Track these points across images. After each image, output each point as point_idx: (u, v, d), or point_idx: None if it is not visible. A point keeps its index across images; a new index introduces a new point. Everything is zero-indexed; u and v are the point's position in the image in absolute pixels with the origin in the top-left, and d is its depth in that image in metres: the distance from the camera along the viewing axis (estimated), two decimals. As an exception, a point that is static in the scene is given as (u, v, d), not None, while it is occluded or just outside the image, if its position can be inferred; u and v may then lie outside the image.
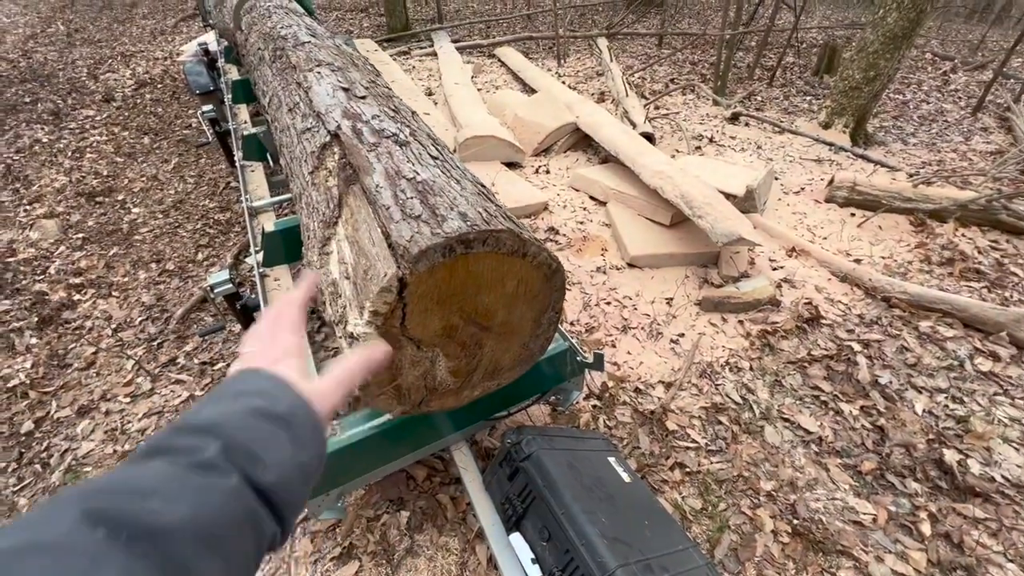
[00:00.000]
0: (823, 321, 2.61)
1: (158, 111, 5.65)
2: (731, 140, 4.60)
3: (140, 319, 2.89)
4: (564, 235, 3.34)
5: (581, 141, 4.44)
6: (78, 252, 3.50)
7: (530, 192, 3.63)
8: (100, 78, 6.74)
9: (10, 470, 2.13)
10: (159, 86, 6.31)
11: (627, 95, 4.83)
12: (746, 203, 3.35)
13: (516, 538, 1.45)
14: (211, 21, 4.64)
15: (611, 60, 5.87)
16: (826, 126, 4.76)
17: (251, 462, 0.40)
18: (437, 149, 1.43)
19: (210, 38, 4.79)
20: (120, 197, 4.15)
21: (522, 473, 1.51)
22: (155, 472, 0.37)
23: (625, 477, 1.67)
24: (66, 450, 2.19)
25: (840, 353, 2.43)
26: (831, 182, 3.69)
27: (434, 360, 1.19)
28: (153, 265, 3.33)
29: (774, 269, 2.98)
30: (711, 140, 4.55)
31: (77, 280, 3.21)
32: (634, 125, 4.27)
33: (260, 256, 2.06)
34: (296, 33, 2.37)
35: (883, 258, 3.14)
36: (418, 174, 1.20)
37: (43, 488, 2.04)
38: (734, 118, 4.97)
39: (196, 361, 2.58)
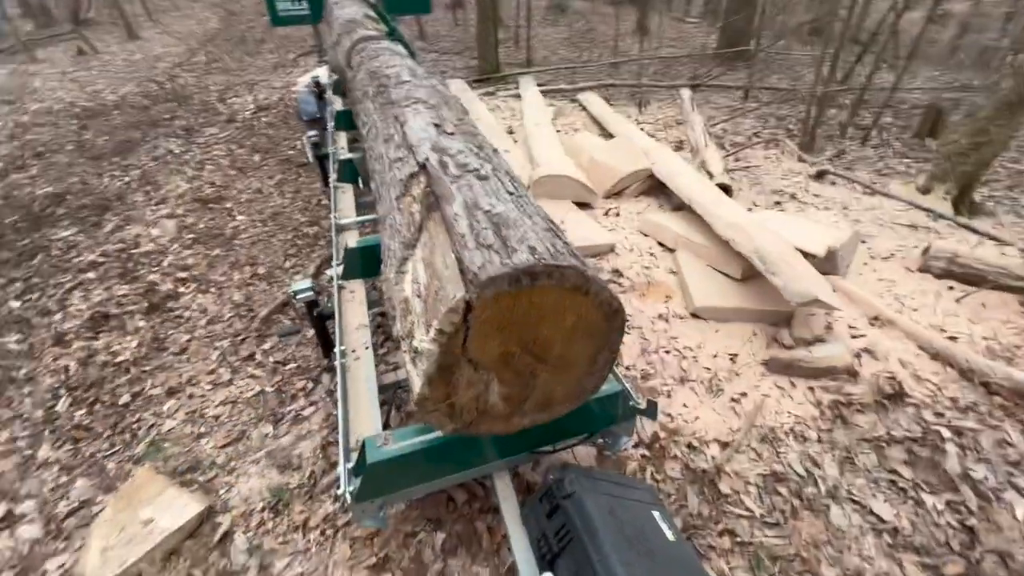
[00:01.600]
0: (907, 399, 2.39)
1: (269, 133, 6.32)
2: (815, 198, 4.41)
3: (229, 315, 3.18)
4: (628, 278, 3.32)
5: (654, 188, 4.44)
6: (187, 250, 3.94)
7: (598, 233, 3.67)
8: (227, 101, 7.67)
9: (105, 435, 2.39)
10: (273, 111, 7.08)
11: (706, 145, 4.80)
12: (826, 264, 3.18)
13: (548, 577, 1.43)
14: (326, 57, 5.20)
15: (692, 110, 5.89)
16: (925, 191, 4.45)
17: None
18: (514, 185, 1.51)
19: (323, 72, 5.35)
20: (228, 205, 4.65)
21: (561, 512, 1.49)
22: None
23: (669, 535, 1.60)
24: (152, 425, 2.43)
25: (926, 437, 2.21)
26: (927, 250, 3.43)
27: (488, 384, 1.24)
28: (247, 268, 3.68)
29: (853, 337, 2.79)
30: (793, 197, 4.39)
31: (183, 275, 3.61)
32: (711, 176, 4.22)
33: (340, 269, 2.23)
34: (399, 72, 2.61)
35: (985, 339, 2.83)
36: (494, 207, 1.28)
37: (129, 456, 2.27)
38: (820, 176, 4.77)
39: (271, 360, 2.80)
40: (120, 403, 2.56)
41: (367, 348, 1.91)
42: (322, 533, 1.88)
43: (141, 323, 3.13)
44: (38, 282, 3.66)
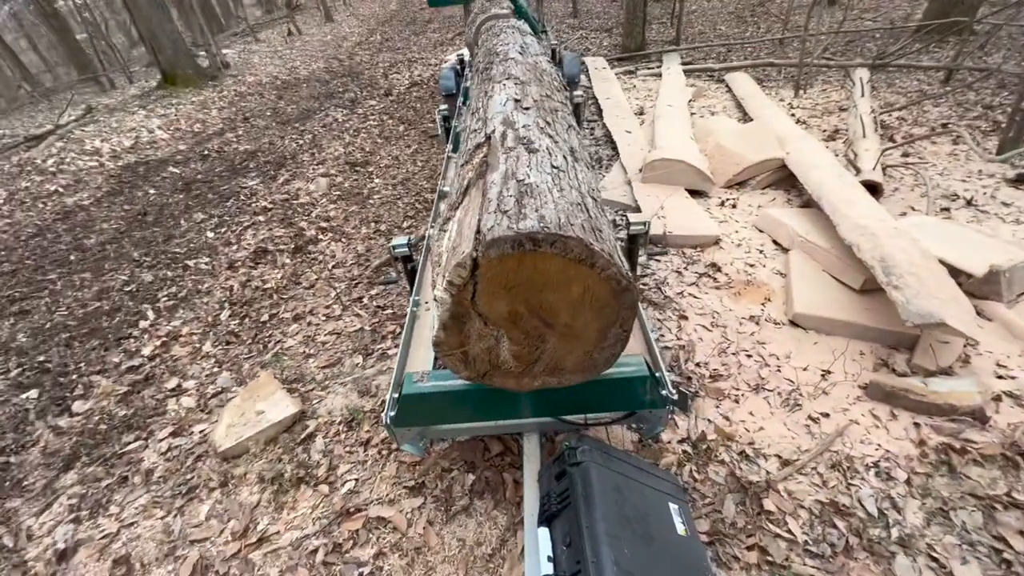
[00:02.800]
0: (1055, 463, 1.92)
1: (417, 106, 6.96)
2: (1003, 208, 3.56)
3: (351, 262, 3.71)
4: (726, 274, 3.10)
5: (785, 180, 3.99)
6: (332, 205, 4.62)
7: (703, 223, 3.46)
8: (388, 77, 8.57)
9: (247, 342, 3.02)
10: (424, 87, 7.75)
11: (864, 135, 4.14)
12: (985, 287, 2.61)
13: (543, 532, 1.52)
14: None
15: (863, 95, 5.06)
16: None
17: None
18: (565, 160, 1.57)
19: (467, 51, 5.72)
20: (370, 169, 5.30)
21: (567, 477, 1.56)
22: None
23: (680, 528, 1.57)
24: (278, 341, 2.99)
25: (1066, 512, 1.77)
26: None
27: (499, 339, 1.35)
28: (372, 224, 4.21)
29: (999, 377, 2.28)
30: (970, 203, 3.61)
31: (324, 225, 4.27)
32: (857, 171, 3.66)
33: (434, 230, 2.49)
34: (508, 51, 2.75)
35: None
36: (527, 177, 1.36)
37: (259, 362, 2.85)
38: (1019, 181, 3.82)
39: (374, 304, 3.22)
40: (261, 320, 3.19)
41: None
42: (379, 452, 2.19)
43: (287, 260, 3.81)
44: (228, 220, 4.62)
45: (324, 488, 2.09)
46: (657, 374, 1.66)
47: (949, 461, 1.97)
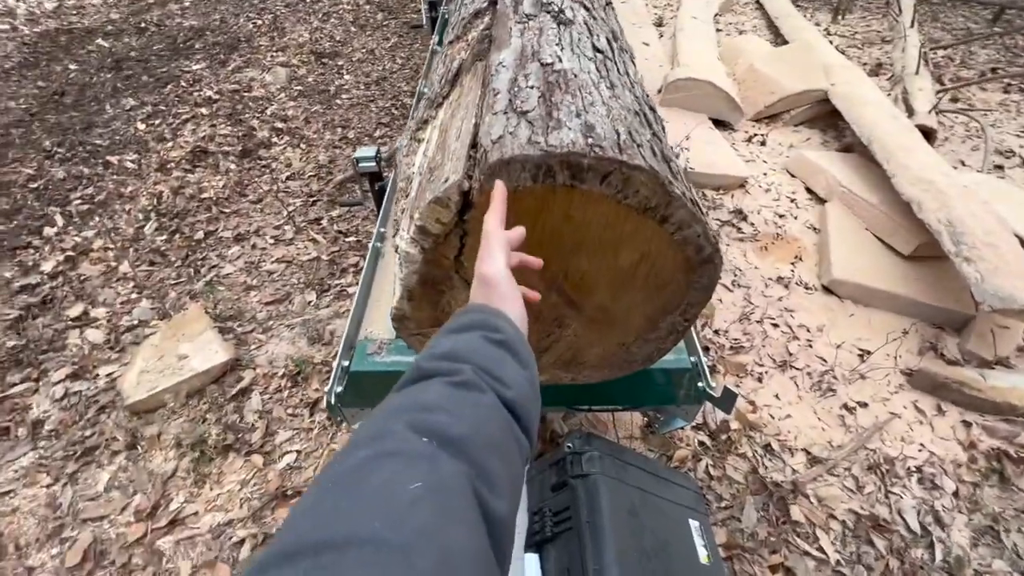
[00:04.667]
0: (1119, 479, 1.66)
1: (399, -9, 5.91)
2: (1062, 170, 3.16)
3: (310, 174, 3.10)
4: (753, 224, 2.66)
5: (824, 117, 3.45)
6: (291, 102, 3.88)
7: (730, 160, 2.95)
8: (366, -47, 7.27)
9: (175, 265, 2.48)
10: (409, -32, 6.58)
11: (917, 72, 3.58)
12: (1053, 264, 2.25)
13: (531, 560, 1.16)
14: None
15: (912, 24, 4.41)
16: None
17: (496, 381, 0.46)
18: (609, 45, 1.02)
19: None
20: (340, 63, 4.47)
21: (569, 491, 1.19)
22: (434, 393, 0.44)
23: (703, 554, 1.24)
24: (214, 265, 2.46)
25: None
26: None
27: (494, 319, 0.88)
28: (339, 130, 3.54)
29: (1059, 372, 1.99)
30: (1027, 162, 3.18)
31: (280, 125, 3.57)
32: (911, 113, 3.14)
33: (405, 139, 1.92)
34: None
35: None
36: (560, 60, 0.83)
37: (188, 291, 2.34)
38: (1081, 141, 3.39)
39: (335, 228, 2.68)
40: (195, 238, 2.63)
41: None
42: (328, 417, 1.78)
43: (232, 166, 3.16)
44: (163, 110, 3.84)
45: (258, 459, 1.69)
46: (694, 360, 1.25)
47: (1002, 470, 1.69)
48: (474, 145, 0.71)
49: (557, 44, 0.89)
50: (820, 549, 1.49)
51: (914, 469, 1.69)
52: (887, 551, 1.50)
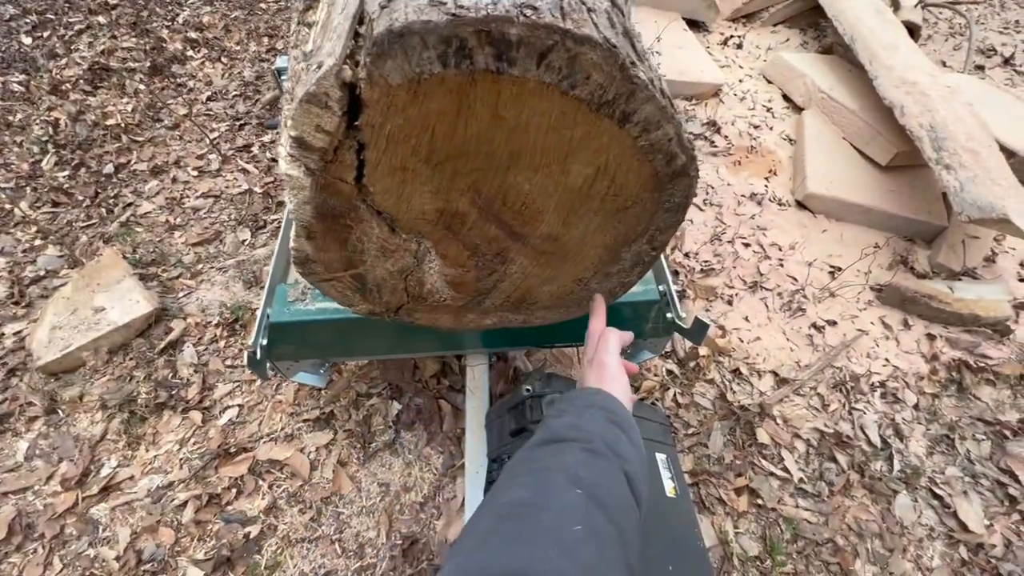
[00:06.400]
0: (1069, 383, 1.70)
1: None
2: (1042, 69, 3.03)
3: (234, 93, 2.71)
4: (727, 136, 2.48)
5: (805, 15, 3.18)
6: (207, 7, 3.33)
7: (704, 66, 2.70)
8: None
9: (83, 205, 2.17)
10: None
11: (905, -39, 3.28)
12: (1027, 169, 2.18)
13: (491, 509, 1.10)
14: None
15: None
16: None
17: (617, 455, 0.52)
18: None
19: None
20: (262, -43, 3.83)
21: (528, 437, 1.10)
22: (572, 456, 0.50)
23: (669, 487, 1.19)
24: (129, 204, 2.16)
25: (1075, 439, 1.58)
26: None
27: (420, 257, 0.72)
28: (265, 40, 3.08)
29: (1022, 280, 1.98)
30: (1007, 61, 3.03)
31: (195, 35, 3.07)
32: (896, 7, 2.90)
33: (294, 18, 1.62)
34: None
35: None
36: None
37: (101, 234, 2.06)
38: (1063, 37, 3.24)
39: (267, 155, 2.38)
40: (104, 172, 2.29)
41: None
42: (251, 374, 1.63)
43: (140, 86, 2.73)
44: (52, 19, 3.24)
45: (196, 416, 1.55)
46: (663, 290, 1.13)
47: (960, 380, 1.70)
48: (362, 18, 0.50)
49: None
50: (784, 469, 1.49)
51: (878, 384, 1.69)
52: (848, 466, 1.51)
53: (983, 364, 1.72)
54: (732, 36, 3.08)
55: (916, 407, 1.65)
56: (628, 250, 0.73)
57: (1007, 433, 1.59)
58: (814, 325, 1.82)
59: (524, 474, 0.48)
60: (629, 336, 0.72)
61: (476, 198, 0.62)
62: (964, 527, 1.42)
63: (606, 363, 0.65)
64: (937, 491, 1.49)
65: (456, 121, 0.52)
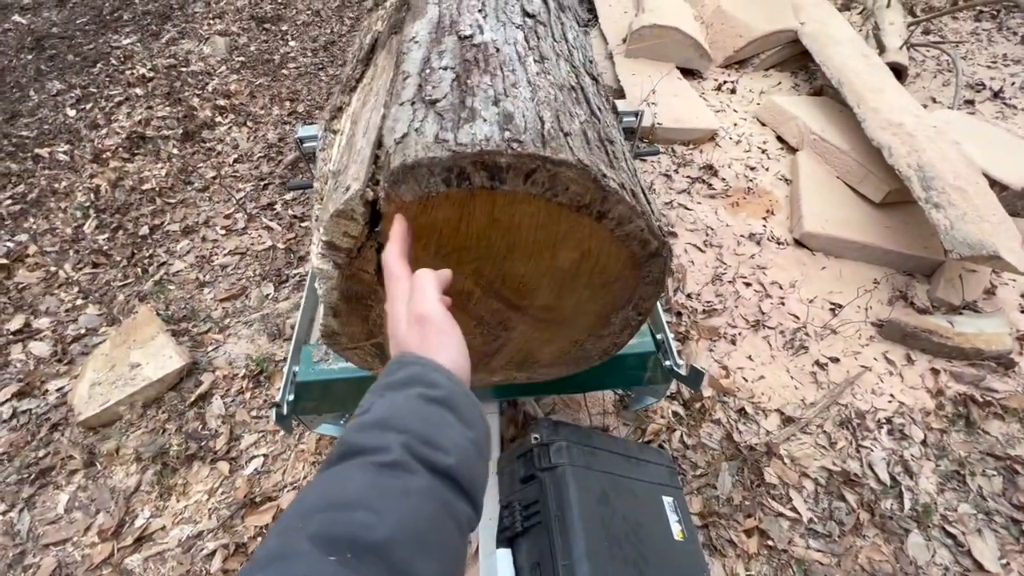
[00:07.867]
0: (1079, 414, 1.70)
1: (342, -57, 5.45)
2: (1032, 101, 3.11)
3: (259, 155, 2.91)
4: (724, 179, 2.58)
5: (795, 59, 3.33)
6: (233, 75, 3.60)
7: (699, 112, 2.84)
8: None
9: (121, 265, 2.33)
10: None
11: (888, 5, 3.44)
12: (1020, 201, 2.23)
13: (503, 555, 1.14)
14: None
15: (884, -48, 4.22)
16: None
17: (431, 449, 0.41)
18: (545, 5, 0.91)
19: None
20: (284, 27, 4.16)
21: (537, 484, 1.16)
22: (355, 482, 0.38)
23: (676, 530, 1.23)
24: (163, 263, 2.32)
25: (1089, 472, 1.58)
26: None
27: (432, 327, 0.81)
28: (287, 103, 3.31)
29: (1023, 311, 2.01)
30: (997, 95, 3.12)
31: (223, 102, 3.32)
32: (882, 50, 3.04)
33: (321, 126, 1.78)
34: None
35: None
36: (480, 32, 0.72)
37: (136, 292, 2.21)
38: (1051, 69, 3.34)
39: (289, 213, 2.54)
40: (140, 234, 2.47)
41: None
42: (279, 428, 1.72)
43: (174, 151, 2.95)
44: (94, 92, 3.54)
45: (223, 467, 1.63)
46: (660, 339, 1.21)
47: (968, 414, 1.72)
48: (379, 144, 0.61)
49: (479, 10, 0.78)
50: (793, 509, 1.51)
51: (884, 421, 1.71)
52: (858, 505, 1.52)
53: (989, 398, 1.74)
54: (726, 82, 3.24)
55: (924, 443, 1.66)
56: (616, 316, 0.82)
57: (1018, 468, 1.60)
58: (817, 362, 1.86)
59: (272, 541, 0.34)
60: (447, 274, 0.54)
61: (479, 280, 0.72)
62: (979, 566, 1.42)
63: (427, 316, 0.49)
64: (950, 529, 1.49)
65: (459, 224, 0.62)
